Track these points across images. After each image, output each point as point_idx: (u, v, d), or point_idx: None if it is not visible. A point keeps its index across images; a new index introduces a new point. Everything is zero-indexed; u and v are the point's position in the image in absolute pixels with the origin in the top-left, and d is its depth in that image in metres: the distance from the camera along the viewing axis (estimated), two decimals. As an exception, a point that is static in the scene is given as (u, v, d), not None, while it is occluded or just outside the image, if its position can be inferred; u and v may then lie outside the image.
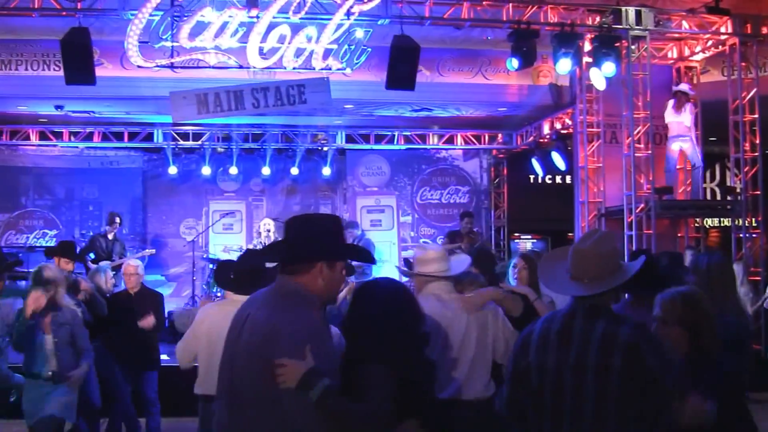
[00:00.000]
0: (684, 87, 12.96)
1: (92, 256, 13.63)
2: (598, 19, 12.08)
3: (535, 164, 16.72)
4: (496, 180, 18.68)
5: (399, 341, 3.63)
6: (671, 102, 12.81)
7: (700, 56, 13.70)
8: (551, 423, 3.73)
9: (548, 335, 3.80)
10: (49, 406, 6.71)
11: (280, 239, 3.82)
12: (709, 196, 17.61)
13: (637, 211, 12.28)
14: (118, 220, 14.39)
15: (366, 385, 3.42)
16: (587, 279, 3.76)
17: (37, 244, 16.12)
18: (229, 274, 5.98)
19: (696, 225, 14.29)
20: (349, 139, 17.36)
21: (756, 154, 12.85)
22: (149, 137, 16.60)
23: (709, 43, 13.27)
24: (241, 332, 3.48)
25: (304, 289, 3.50)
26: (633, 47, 12.27)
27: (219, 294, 11.71)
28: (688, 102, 12.83)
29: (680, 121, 12.76)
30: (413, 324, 3.78)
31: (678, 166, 13.29)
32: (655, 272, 5.02)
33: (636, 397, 3.52)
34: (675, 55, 13.88)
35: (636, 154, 12.34)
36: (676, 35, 13.21)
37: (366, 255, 4.28)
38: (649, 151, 12.46)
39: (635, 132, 12.36)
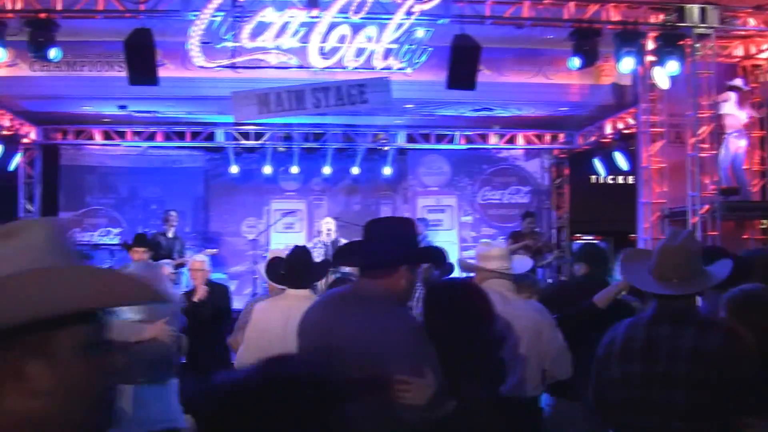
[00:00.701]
0: (738, 82, 12.70)
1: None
2: (661, 17, 11.87)
3: (598, 164, 16.54)
4: (558, 180, 18.44)
5: (482, 349, 3.63)
6: (734, 96, 12.51)
7: (767, 54, 13.41)
8: None
9: (631, 344, 3.67)
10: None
11: (355, 241, 3.86)
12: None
13: (702, 212, 12.05)
14: (173, 214, 14.56)
15: (468, 405, 3.42)
16: (677, 278, 3.62)
17: (102, 242, 16.41)
18: (280, 270, 6.04)
19: (762, 227, 14.02)
20: (410, 138, 17.31)
21: (824, 154, 12.57)
22: (211, 137, 16.73)
23: (777, 40, 12.97)
24: (328, 337, 3.45)
25: (390, 292, 3.52)
26: (697, 45, 12.02)
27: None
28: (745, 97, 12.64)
29: (741, 116, 12.55)
30: (492, 327, 3.79)
31: (744, 166, 12.97)
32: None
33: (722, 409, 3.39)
34: (741, 53, 13.57)
35: (700, 155, 12.08)
36: (742, 33, 12.86)
37: (442, 258, 4.39)
38: (714, 151, 12.16)
39: (700, 132, 12.10)
